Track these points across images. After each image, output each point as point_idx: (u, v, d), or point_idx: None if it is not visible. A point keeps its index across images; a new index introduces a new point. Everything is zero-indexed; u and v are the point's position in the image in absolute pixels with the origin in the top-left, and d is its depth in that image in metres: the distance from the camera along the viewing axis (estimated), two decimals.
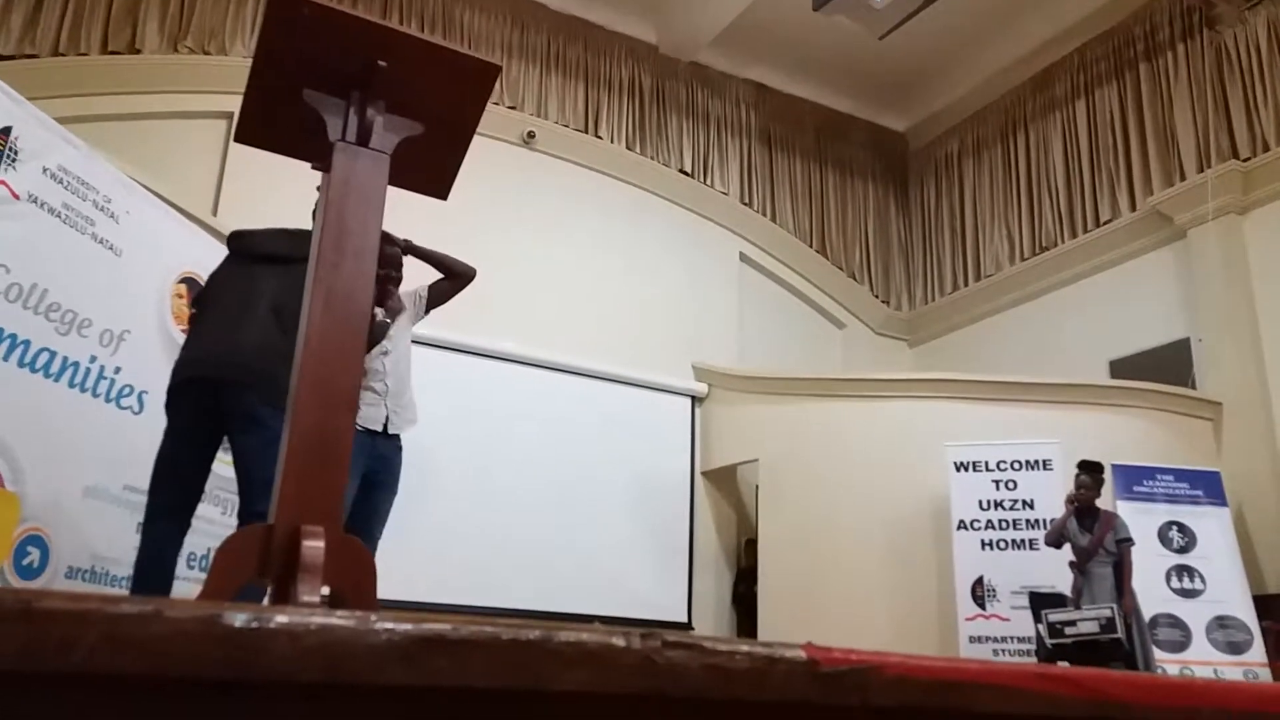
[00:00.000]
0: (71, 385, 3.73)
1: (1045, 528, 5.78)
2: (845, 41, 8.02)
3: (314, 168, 2.13)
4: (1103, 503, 5.29)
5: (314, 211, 3.16)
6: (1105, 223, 8.09)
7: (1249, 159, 7.12)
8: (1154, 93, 7.86)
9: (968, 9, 8.24)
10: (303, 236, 3.05)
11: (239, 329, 2.92)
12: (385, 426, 3.64)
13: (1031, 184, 8.86)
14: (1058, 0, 8.41)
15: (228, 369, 2.90)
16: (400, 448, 3.72)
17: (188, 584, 4.12)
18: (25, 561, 3.49)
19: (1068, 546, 5.16)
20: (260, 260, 3.06)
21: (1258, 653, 5.84)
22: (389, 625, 0.66)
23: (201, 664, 0.63)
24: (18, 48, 6.40)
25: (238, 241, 3.18)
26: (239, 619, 0.64)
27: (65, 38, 6.55)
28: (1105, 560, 5.00)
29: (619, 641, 0.70)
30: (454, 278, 3.90)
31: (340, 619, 0.66)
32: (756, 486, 7.55)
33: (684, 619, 7.50)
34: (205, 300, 3.13)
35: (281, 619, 0.65)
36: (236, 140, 2.20)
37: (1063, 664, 4.71)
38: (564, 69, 8.52)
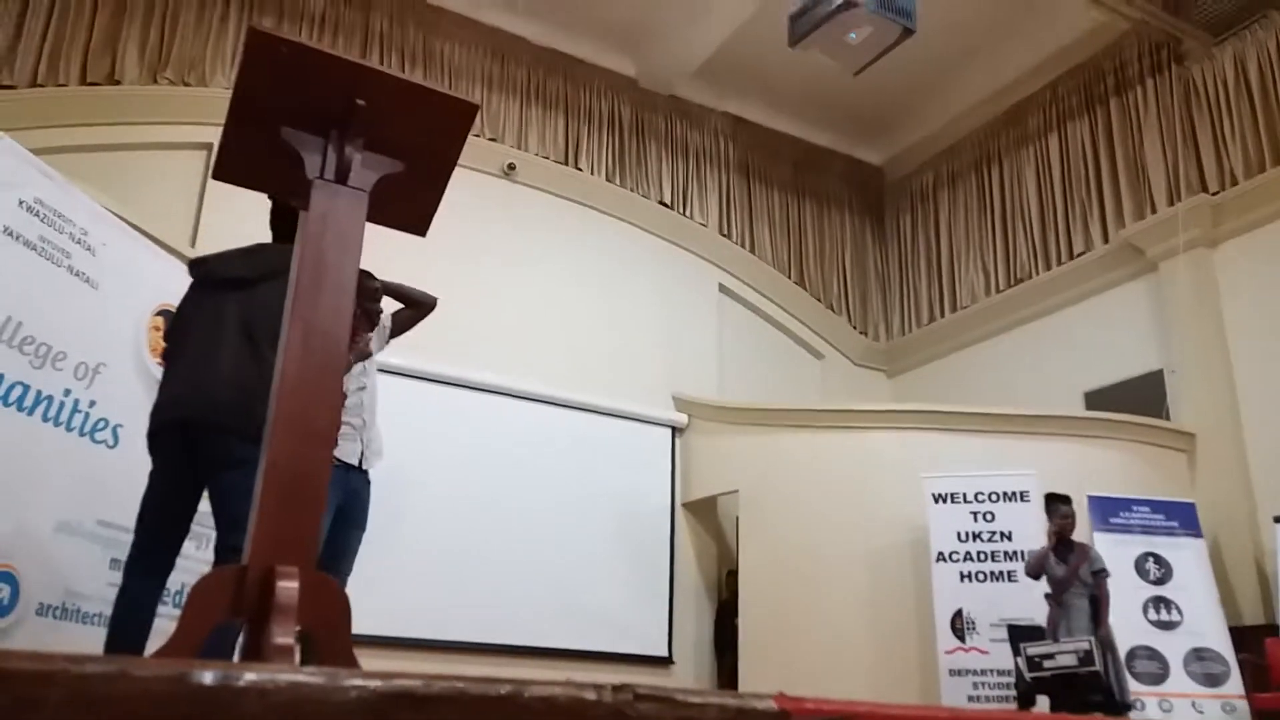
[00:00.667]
0: (45, 419, 3.69)
1: (1023, 559, 5.80)
2: (822, 76, 8.12)
3: (293, 205, 2.14)
4: (1079, 534, 5.32)
5: (270, 221, 3.17)
6: (1079, 255, 8.19)
7: (1218, 192, 7.24)
8: (1125, 127, 8.00)
9: (941, 46, 8.37)
10: (260, 253, 3.04)
11: (210, 364, 2.87)
12: (360, 461, 3.62)
13: (1006, 216, 8.97)
14: (1029, 36, 8.56)
15: (202, 410, 2.84)
16: (369, 482, 3.70)
17: (165, 620, 4.06)
18: None
19: (1045, 578, 5.18)
20: (223, 286, 3.00)
21: (1235, 685, 5.86)
22: (358, 682, 0.66)
23: None
24: None
25: (198, 269, 3.13)
26: (207, 677, 0.64)
27: (44, 68, 6.54)
28: (1081, 592, 5.02)
29: (589, 695, 0.70)
30: (415, 306, 3.93)
31: (308, 675, 0.66)
32: (737, 518, 7.54)
33: (664, 652, 7.45)
34: (175, 335, 3.09)
35: (250, 676, 0.64)
36: (214, 178, 2.20)
37: (1041, 698, 4.72)
38: (544, 101, 8.58)
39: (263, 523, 1.83)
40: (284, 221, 3.09)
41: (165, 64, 7.01)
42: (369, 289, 3.65)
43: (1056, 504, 5.22)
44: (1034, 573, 5.22)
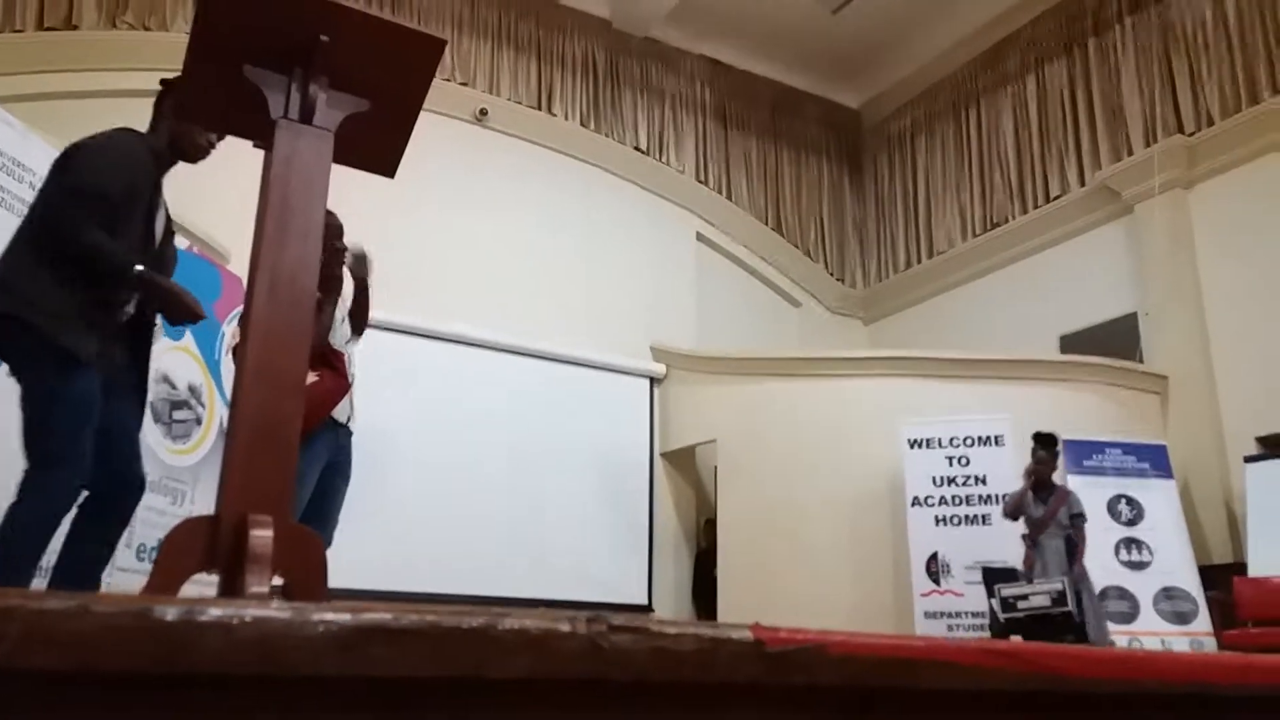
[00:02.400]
0: None
1: (998, 503, 5.87)
2: (800, 17, 8.02)
3: (255, 146, 2.08)
4: (1055, 477, 5.38)
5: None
6: (1055, 198, 8.19)
7: (1194, 133, 7.23)
8: (1102, 67, 7.96)
9: None
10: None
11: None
12: (348, 420, 3.63)
13: (983, 160, 8.94)
14: None
15: None
16: (351, 434, 3.71)
17: (139, 576, 4.05)
18: None
19: (1022, 520, 5.24)
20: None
21: (1203, 623, 5.99)
22: (327, 616, 0.64)
23: (132, 659, 0.61)
24: None
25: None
26: (170, 613, 0.62)
27: None
28: (1057, 533, 5.09)
29: (563, 627, 0.69)
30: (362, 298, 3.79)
31: (275, 610, 0.64)
32: (715, 467, 7.58)
33: (644, 601, 7.53)
34: None
35: (215, 612, 0.63)
36: (175, 119, 2.14)
37: (1016, 638, 4.80)
38: (516, 45, 8.42)
39: (234, 472, 1.82)
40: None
41: (124, 8, 6.81)
42: (331, 226, 3.51)
43: (1035, 447, 5.27)
44: (1012, 514, 5.28)
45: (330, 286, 3.44)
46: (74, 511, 2.52)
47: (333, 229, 3.46)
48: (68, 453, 2.41)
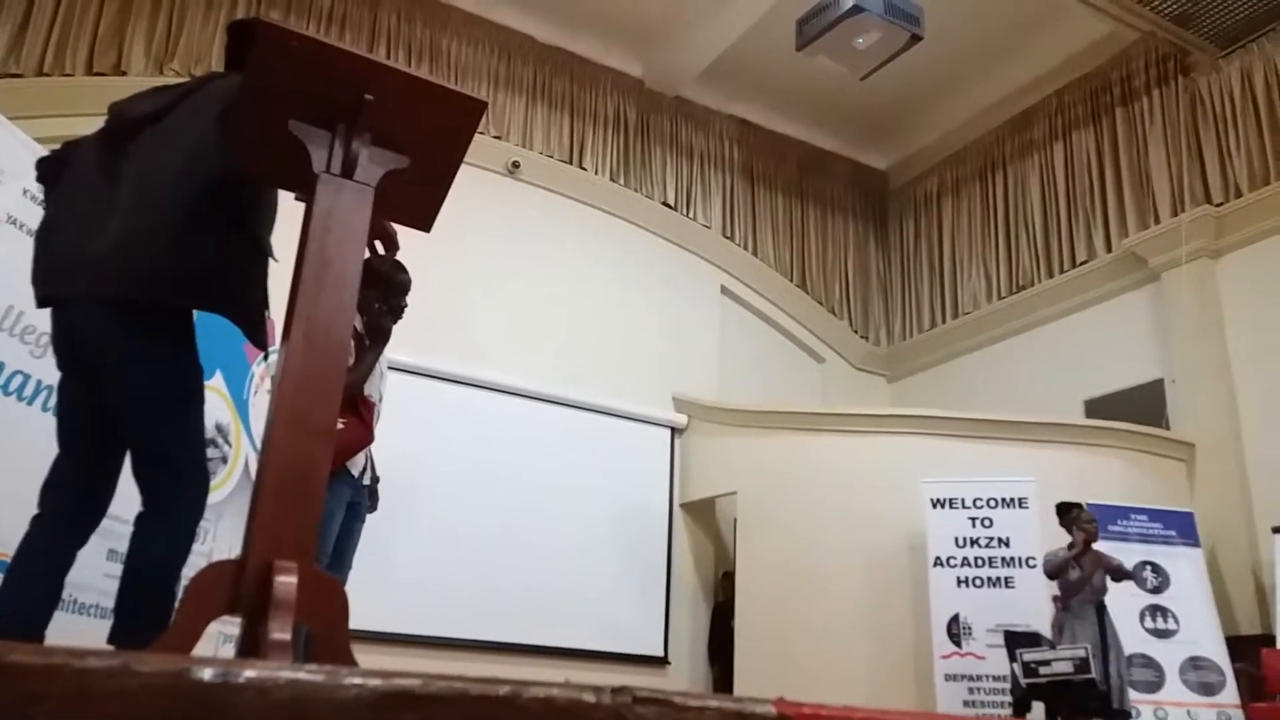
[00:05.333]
0: (45, 410, 3.69)
1: (1021, 566, 5.81)
2: (828, 80, 8.12)
3: (297, 198, 2.13)
4: None
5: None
6: (1081, 263, 8.19)
7: (1222, 204, 7.24)
8: (1130, 137, 8.00)
9: (949, 52, 8.37)
10: (179, 85, 2.44)
11: (93, 228, 2.21)
12: (361, 472, 3.66)
13: (1009, 224, 8.97)
14: (1037, 45, 8.56)
15: (70, 280, 2.21)
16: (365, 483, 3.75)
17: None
18: None
19: (1055, 582, 5.18)
20: (128, 130, 2.35)
21: (1230, 694, 5.86)
22: (358, 680, 0.66)
23: (170, 718, 0.63)
24: (2, 67, 6.39)
25: (110, 115, 2.44)
26: (207, 673, 0.64)
27: (50, 58, 6.55)
28: (1089, 599, 5.02)
29: (589, 698, 0.70)
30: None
31: (308, 673, 0.65)
32: (735, 519, 7.54)
33: (660, 652, 7.45)
34: (55, 196, 2.46)
35: (250, 673, 0.64)
36: (221, 169, 2.19)
37: (1038, 704, 4.72)
38: (550, 100, 8.58)
39: (261, 517, 1.83)
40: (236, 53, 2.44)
41: (171, 56, 7.01)
42: (399, 282, 3.58)
43: (1077, 511, 5.22)
44: (1054, 572, 5.20)
45: (377, 337, 3.49)
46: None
47: (399, 285, 3.54)
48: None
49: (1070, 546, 5.14)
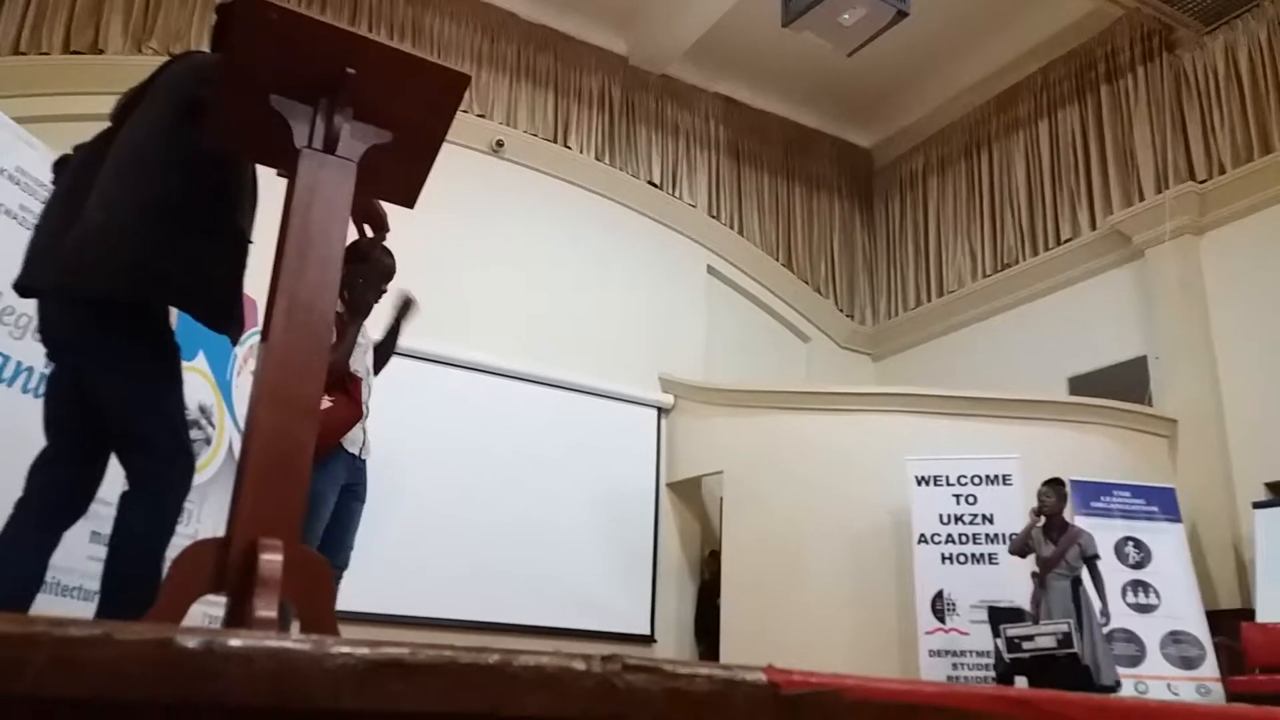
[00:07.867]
0: (25, 391, 3.66)
1: (1005, 542, 5.85)
2: (813, 58, 8.09)
3: (278, 174, 2.11)
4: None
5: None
6: (1066, 241, 8.21)
7: (1205, 181, 7.26)
8: (1115, 114, 8.01)
9: (934, 29, 8.35)
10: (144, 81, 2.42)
11: (66, 220, 2.26)
12: (360, 448, 3.66)
13: (994, 202, 8.98)
14: (1022, 22, 8.55)
15: (40, 274, 2.25)
16: (365, 460, 3.74)
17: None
18: None
19: (1031, 557, 5.23)
20: (115, 124, 2.37)
21: (1210, 668, 5.93)
22: (345, 649, 0.65)
23: (153, 687, 0.62)
24: None
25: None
26: (192, 642, 0.63)
27: (26, 36, 6.44)
28: (1064, 574, 5.07)
29: (578, 665, 0.70)
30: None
31: (295, 643, 0.65)
32: (721, 498, 7.56)
33: (647, 631, 7.49)
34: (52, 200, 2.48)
35: (235, 642, 0.64)
36: (201, 145, 2.17)
37: (1020, 679, 4.76)
38: (534, 78, 8.51)
39: (246, 495, 1.82)
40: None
41: (150, 34, 6.92)
42: (384, 266, 3.59)
43: (1042, 486, 5.29)
44: (1019, 550, 5.27)
45: (359, 310, 3.49)
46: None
47: (384, 269, 3.55)
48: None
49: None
